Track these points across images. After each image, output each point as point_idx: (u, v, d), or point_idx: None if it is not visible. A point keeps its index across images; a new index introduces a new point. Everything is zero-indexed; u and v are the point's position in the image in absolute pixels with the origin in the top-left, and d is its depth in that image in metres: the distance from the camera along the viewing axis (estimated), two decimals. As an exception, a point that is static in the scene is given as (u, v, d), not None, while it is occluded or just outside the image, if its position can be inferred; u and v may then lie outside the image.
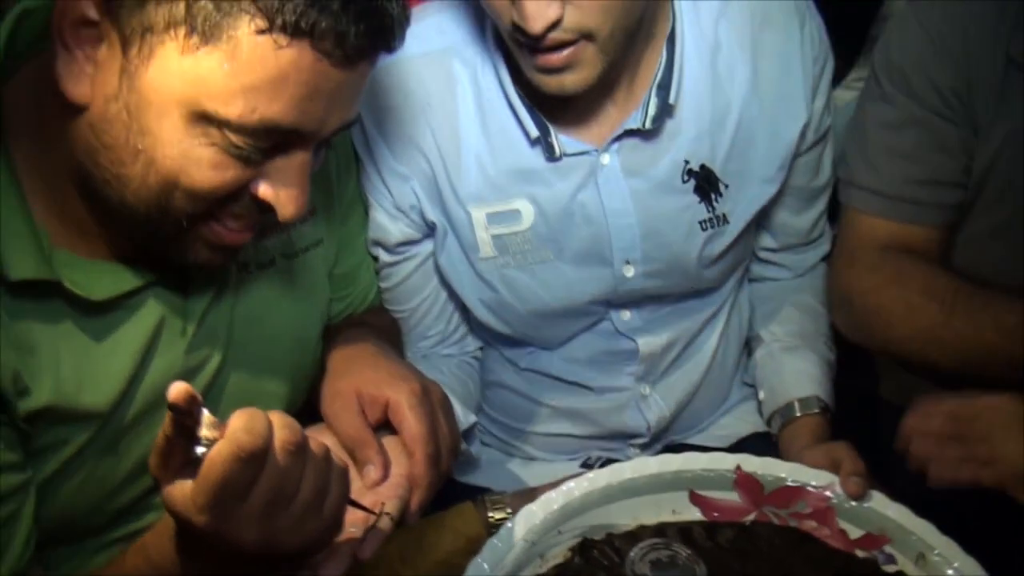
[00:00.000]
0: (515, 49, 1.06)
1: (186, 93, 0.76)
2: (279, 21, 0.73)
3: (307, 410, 1.09)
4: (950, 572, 0.93)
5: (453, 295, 1.26)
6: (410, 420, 0.91)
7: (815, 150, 1.24)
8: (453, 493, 1.13)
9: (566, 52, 1.02)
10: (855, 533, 1.00)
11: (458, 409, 1.17)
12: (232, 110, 0.76)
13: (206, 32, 0.74)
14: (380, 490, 0.88)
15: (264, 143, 0.79)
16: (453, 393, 1.21)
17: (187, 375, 0.93)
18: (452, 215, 1.17)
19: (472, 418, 1.20)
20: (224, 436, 0.67)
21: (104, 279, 0.87)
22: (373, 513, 0.83)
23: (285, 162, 0.82)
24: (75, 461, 0.89)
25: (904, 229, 1.19)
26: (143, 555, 0.81)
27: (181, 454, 0.68)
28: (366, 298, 1.21)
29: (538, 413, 1.32)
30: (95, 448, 0.90)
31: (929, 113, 1.14)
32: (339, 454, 0.89)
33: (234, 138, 0.78)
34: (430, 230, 1.21)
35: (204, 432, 0.67)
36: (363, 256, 1.20)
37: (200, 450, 0.67)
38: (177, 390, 0.65)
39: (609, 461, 1.31)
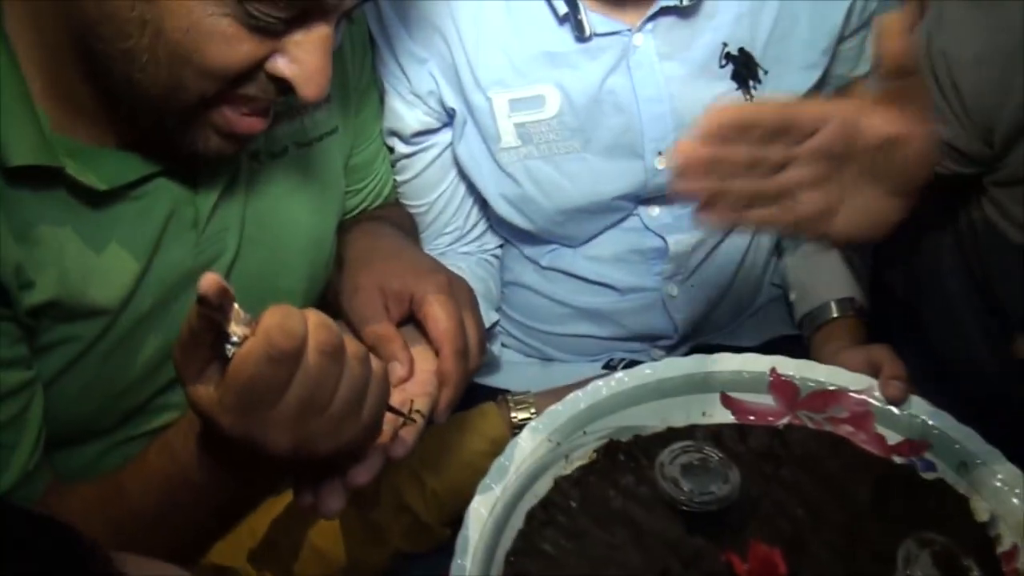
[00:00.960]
0: None
1: None
2: None
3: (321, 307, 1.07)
4: (996, 483, 0.89)
5: (472, 189, 1.21)
6: (438, 314, 0.86)
7: (859, 35, 1.17)
8: (472, 395, 1.09)
9: None
10: (893, 439, 0.96)
11: (481, 307, 1.13)
12: None
13: None
14: (407, 387, 0.84)
15: (282, 12, 0.73)
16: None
17: (198, 270, 0.88)
18: (472, 101, 1.11)
19: (494, 316, 1.16)
20: (256, 333, 0.62)
21: (109, 167, 0.82)
22: (404, 415, 0.78)
23: (305, 35, 0.76)
24: (83, 359, 0.85)
25: None
26: (168, 453, 0.77)
27: (208, 350, 0.64)
28: (381, 192, 1.16)
29: (560, 314, 1.27)
30: (104, 345, 0.85)
31: None
32: None
33: (249, 6, 0.72)
34: (448, 118, 1.15)
35: (234, 328, 0.62)
36: (379, 147, 1.15)
37: (230, 348, 0.63)
38: (208, 281, 0.60)
39: (633, 363, 1.26)
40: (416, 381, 0.85)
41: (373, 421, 0.70)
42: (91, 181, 0.80)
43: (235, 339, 0.63)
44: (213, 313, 0.61)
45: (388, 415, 0.75)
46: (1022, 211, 1.06)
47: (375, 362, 0.70)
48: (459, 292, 0.90)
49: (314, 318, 0.65)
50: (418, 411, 0.80)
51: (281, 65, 0.77)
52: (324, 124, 1.00)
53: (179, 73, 0.75)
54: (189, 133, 0.81)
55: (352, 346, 0.67)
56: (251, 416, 0.64)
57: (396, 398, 0.81)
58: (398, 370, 0.85)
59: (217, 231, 0.90)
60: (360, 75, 1.08)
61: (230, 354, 0.63)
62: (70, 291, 0.81)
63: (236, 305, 0.63)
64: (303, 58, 0.76)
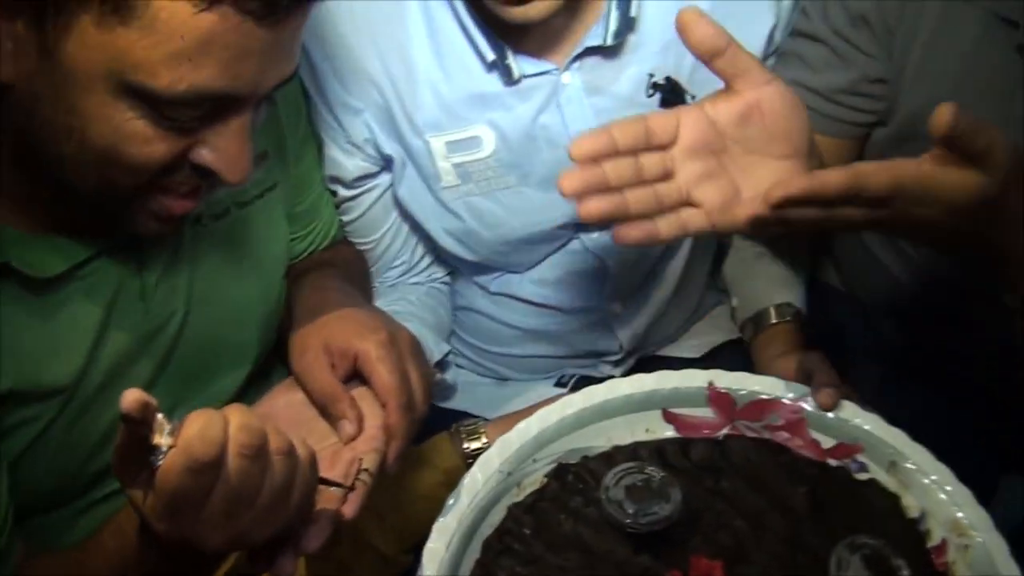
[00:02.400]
0: None
1: (108, 67, 0.72)
2: None
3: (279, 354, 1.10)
4: (925, 481, 0.94)
5: (417, 225, 1.24)
6: (380, 371, 0.89)
7: None
8: (430, 418, 1.12)
9: None
10: (828, 443, 1.00)
11: (430, 339, 1.17)
12: (158, 81, 0.72)
13: (120, 4, 0.69)
14: (356, 444, 0.88)
15: (197, 111, 0.76)
16: (423, 323, 1.21)
17: (149, 337, 0.92)
18: (410, 145, 1.14)
19: (445, 347, 1.20)
20: (177, 444, 0.65)
21: (54, 254, 0.84)
22: (344, 487, 0.82)
23: (223, 126, 0.78)
24: (44, 436, 0.87)
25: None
26: (120, 536, 0.81)
27: (138, 461, 0.66)
28: (328, 233, 1.19)
29: (510, 336, 1.31)
30: (63, 421, 0.88)
31: (833, 36, 1.12)
32: (306, 412, 0.90)
33: (164, 109, 0.74)
34: (387, 163, 1.18)
35: (158, 439, 0.65)
36: (321, 191, 1.18)
37: (156, 459, 0.65)
38: (129, 400, 0.62)
39: (584, 378, 1.32)
40: (365, 437, 0.88)
41: (302, 505, 0.73)
42: (36, 270, 0.83)
43: (161, 451, 0.65)
44: (137, 428, 0.64)
45: (340, 470, 0.79)
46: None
47: (301, 448, 0.72)
48: (402, 345, 0.93)
49: (236, 420, 0.67)
50: (366, 470, 0.84)
51: (203, 155, 0.79)
52: (263, 181, 1.02)
53: (107, 173, 0.77)
54: (125, 220, 0.83)
55: (276, 441, 0.70)
56: (181, 521, 0.67)
57: (346, 456, 0.86)
58: (347, 428, 0.88)
59: (165, 298, 0.93)
60: (296, 129, 1.10)
61: (156, 465, 0.65)
62: (26, 377, 0.84)
63: (160, 416, 0.65)
64: (223, 147, 0.79)
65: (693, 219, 0.84)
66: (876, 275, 1.31)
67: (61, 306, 0.86)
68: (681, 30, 0.82)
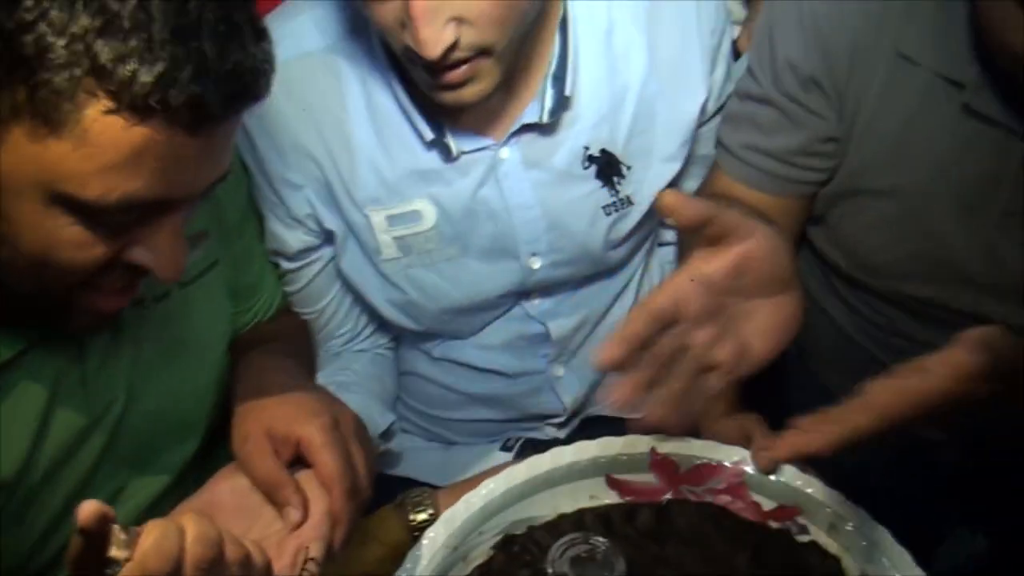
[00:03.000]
0: (408, 66, 1.04)
1: (40, 178, 0.72)
2: (126, 100, 0.69)
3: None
4: (863, 543, 0.96)
5: (359, 296, 1.25)
6: (324, 457, 0.89)
7: (717, 118, 1.24)
8: (376, 485, 1.13)
9: (464, 68, 0.99)
10: (768, 505, 1.02)
11: (375, 410, 1.17)
12: (90, 192, 0.72)
13: (52, 117, 0.69)
14: (302, 531, 0.87)
15: (129, 217, 0.76)
16: (369, 392, 1.22)
17: (94, 422, 0.92)
18: (350, 219, 1.15)
19: (390, 417, 1.20)
20: (133, 558, 0.64)
21: None
22: None
23: (157, 227, 0.78)
24: None
25: (757, 195, 1.19)
26: None
27: (94, 571, 0.65)
28: (272, 304, 1.19)
29: (455, 400, 1.32)
30: (9, 513, 0.87)
31: (785, 99, 1.14)
32: (252, 497, 0.89)
33: (97, 216, 0.74)
34: (328, 236, 1.19)
35: (115, 552, 0.64)
36: (264, 265, 1.18)
37: (110, 572, 0.64)
38: (87, 513, 0.62)
39: (529, 440, 1.33)
40: (310, 524, 0.88)
41: None
42: None
43: (117, 563, 0.64)
44: (94, 540, 0.63)
45: (285, 561, 0.79)
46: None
47: (257, 555, 0.72)
48: (344, 428, 0.93)
49: (192, 532, 0.66)
50: (312, 559, 0.84)
51: (137, 255, 0.79)
52: (204, 260, 1.02)
53: (40, 275, 0.77)
54: (60, 316, 0.83)
55: (232, 551, 0.70)
56: None
57: (292, 543, 0.85)
58: (293, 515, 0.87)
59: (107, 382, 0.92)
60: (235, 205, 1.10)
61: None
62: None
63: (116, 527, 0.64)
64: (157, 246, 0.79)
65: (714, 382, 0.88)
66: (821, 325, 1.33)
67: (1, 397, 0.85)
68: (668, 214, 0.85)
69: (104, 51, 0.68)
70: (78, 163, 0.71)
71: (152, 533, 0.64)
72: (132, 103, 0.69)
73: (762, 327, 0.86)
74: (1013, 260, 1.10)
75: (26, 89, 0.69)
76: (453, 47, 0.97)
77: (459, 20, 0.96)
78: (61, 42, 0.67)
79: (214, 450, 1.10)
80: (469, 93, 1.02)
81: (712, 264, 0.86)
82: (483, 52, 0.99)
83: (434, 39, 0.95)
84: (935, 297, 1.17)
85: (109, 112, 0.69)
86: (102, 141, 0.70)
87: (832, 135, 1.14)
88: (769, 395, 1.21)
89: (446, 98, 1.03)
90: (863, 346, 1.28)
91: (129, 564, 0.64)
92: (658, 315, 0.84)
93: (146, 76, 0.68)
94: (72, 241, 0.75)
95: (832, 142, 1.14)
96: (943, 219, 1.11)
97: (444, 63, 0.98)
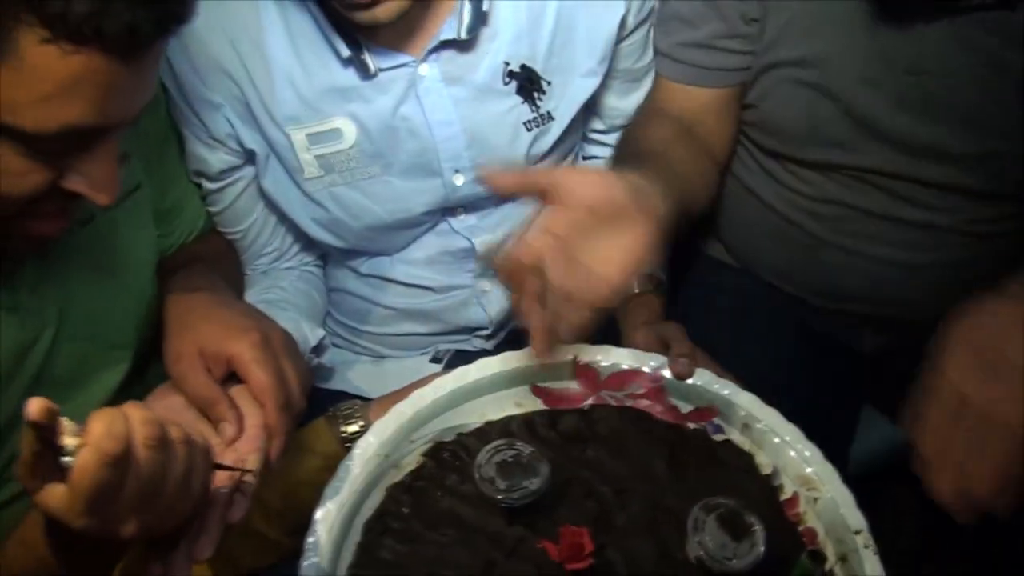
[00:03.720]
0: None
1: None
2: (62, 30, 0.70)
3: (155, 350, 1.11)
4: (776, 440, 1.01)
5: (284, 215, 1.26)
6: (256, 373, 0.92)
7: (638, 32, 1.26)
8: (309, 399, 1.15)
9: None
10: (686, 408, 1.07)
11: (305, 326, 1.19)
12: (28, 120, 0.73)
13: None
14: (238, 445, 0.90)
15: (67, 144, 0.77)
16: (298, 309, 1.24)
17: (27, 347, 0.92)
18: (271, 138, 1.16)
19: (320, 333, 1.22)
20: (87, 443, 0.67)
21: None
22: (239, 470, 0.85)
23: (92, 153, 0.79)
24: None
25: (695, 92, 1.26)
26: (24, 547, 0.82)
27: (48, 464, 0.68)
28: (196, 226, 1.20)
29: (383, 315, 1.34)
30: None
31: None
32: (187, 415, 0.91)
33: (34, 143, 0.75)
34: (250, 156, 1.19)
35: (67, 441, 0.67)
36: (186, 186, 1.18)
37: (66, 459, 0.68)
38: (36, 408, 0.65)
39: (459, 352, 1.36)
40: (246, 438, 0.90)
41: (202, 490, 0.77)
42: None
43: (69, 450, 0.67)
44: (45, 432, 0.66)
45: (224, 474, 0.82)
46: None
47: (197, 437, 0.76)
48: (275, 343, 0.95)
49: (135, 415, 0.70)
50: (250, 471, 0.86)
51: (73, 182, 0.80)
52: (127, 183, 1.02)
53: None
54: None
55: (174, 431, 0.73)
56: (99, 514, 0.70)
57: (229, 457, 0.88)
58: (228, 430, 0.90)
59: (38, 307, 0.93)
60: (156, 127, 1.10)
61: (68, 465, 0.68)
62: None
63: (64, 419, 0.67)
64: (93, 173, 0.80)
65: (572, 312, 0.94)
66: (751, 205, 1.39)
67: None
68: (487, 186, 0.95)
69: None
70: (16, 93, 0.72)
71: (101, 419, 0.68)
72: (68, 32, 0.70)
73: (605, 256, 0.92)
74: (919, 115, 1.17)
75: None
76: None
77: None
78: None
79: (146, 371, 1.12)
80: (383, 11, 1.03)
81: (555, 220, 0.91)
82: None
83: None
84: (854, 161, 1.23)
85: (45, 41, 0.71)
86: (39, 71, 0.72)
87: (753, 15, 1.19)
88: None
89: (361, 17, 1.03)
90: (793, 220, 1.34)
91: (86, 448, 0.67)
92: (523, 266, 0.92)
93: (80, 6, 0.70)
94: (11, 170, 0.76)
95: (754, 22, 1.20)
96: (851, 79, 1.17)
97: None
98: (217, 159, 1.17)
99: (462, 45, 1.14)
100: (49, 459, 0.68)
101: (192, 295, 1.01)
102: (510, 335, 1.37)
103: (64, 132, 0.75)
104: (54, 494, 0.69)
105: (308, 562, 0.87)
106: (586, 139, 1.37)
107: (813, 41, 1.17)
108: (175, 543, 0.79)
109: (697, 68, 1.24)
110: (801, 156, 1.27)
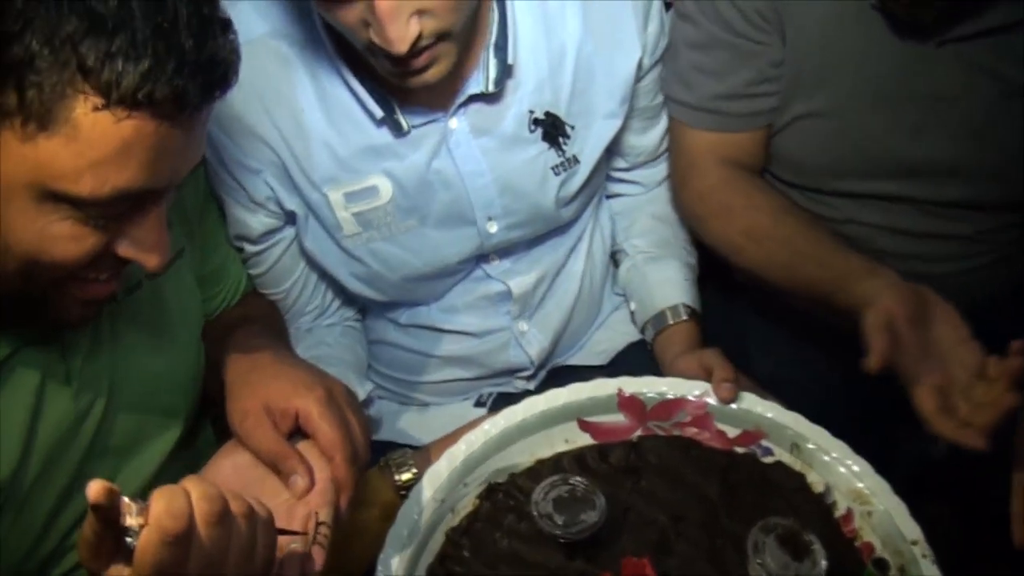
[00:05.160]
0: (370, 57, 1.06)
1: (32, 177, 0.75)
2: (115, 96, 0.72)
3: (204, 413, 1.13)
4: (826, 458, 1.02)
5: (324, 272, 1.28)
6: (324, 428, 0.92)
7: (653, 71, 1.28)
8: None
9: (426, 54, 1.03)
10: (733, 432, 1.08)
11: (354, 380, 1.21)
12: (82, 187, 0.75)
13: (42, 117, 0.72)
14: (309, 498, 0.91)
15: (119, 209, 0.79)
16: (346, 364, 1.26)
17: (80, 418, 0.94)
18: (309, 199, 1.18)
19: (368, 386, 1.24)
20: (148, 522, 0.68)
21: None
22: (301, 534, 0.86)
23: (143, 218, 0.81)
24: None
25: (723, 138, 1.27)
26: None
27: (111, 545, 0.69)
28: (238, 289, 1.22)
29: (425, 364, 1.36)
30: (6, 516, 0.89)
31: (733, 36, 1.21)
32: (255, 471, 0.93)
33: (89, 210, 0.77)
34: (290, 217, 1.22)
35: (130, 521, 0.68)
36: (227, 250, 1.21)
37: (130, 539, 0.68)
38: (96, 490, 0.65)
39: (501, 396, 1.38)
40: (317, 491, 0.91)
41: (265, 561, 0.78)
42: None
43: (132, 531, 0.68)
44: (107, 514, 0.67)
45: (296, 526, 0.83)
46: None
47: (259, 508, 0.77)
48: (339, 398, 0.96)
49: (196, 491, 0.70)
50: (323, 523, 0.88)
51: (124, 247, 0.82)
52: (171, 248, 1.04)
53: (29, 271, 0.80)
54: (48, 310, 0.85)
55: (236, 505, 0.74)
56: None
57: (301, 510, 0.89)
58: (299, 483, 0.91)
59: (91, 378, 0.95)
60: (195, 194, 1.12)
61: (131, 546, 0.68)
62: None
63: (125, 499, 0.68)
64: (143, 237, 0.82)
65: None
66: None
67: None
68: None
69: (91, 52, 0.71)
70: (71, 160, 0.74)
71: (162, 497, 0.69)
72: (120, 99, 0.73)
73: None
74: (934, 140, 1.19)
75: (16, 93, 0.72)
76: (417, 38, 1.00)
77: (420, 12, 1.00)
78: (48, 48, 0.71)
79: (197, 435, 1.14)
80: (432, 74, 1.06)
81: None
82: (443, 36, 1.03)
83: (401, 35, 0.99)
84: (872, 189, 1.26)
85: (98, 109, 0.73)
86: (92, 137, 0.74)
87: (779, 58, 1.21)
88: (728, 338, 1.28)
89: (412, 82, 1.06)
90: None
91: (147, 528, 0.68)
92: None
93: (132, 73, 0.72)
94: (64, 236, 0.78)
95: (779, 65, 1.22)
96: (866, 112, 1.20)
97: (409, 54, 1.01)
98: (258, 222, 1.20)
99: (489, 98, 1.17)
100: (112, 540, 0.69)
101: (254, 354, 1.02)
102: (551, 374, 1.39)
103: (117, 196, 0.77)
104: (119, 572, 0.70)
105: (376, 610, 0.89)
106: (610, 178, 1.40)
107: (825, 73, 1.20)
108: None
109: (729, 116, 1.25)
110: (819, 186, 1.29)
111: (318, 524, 0.87)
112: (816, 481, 1.03)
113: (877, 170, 1.24)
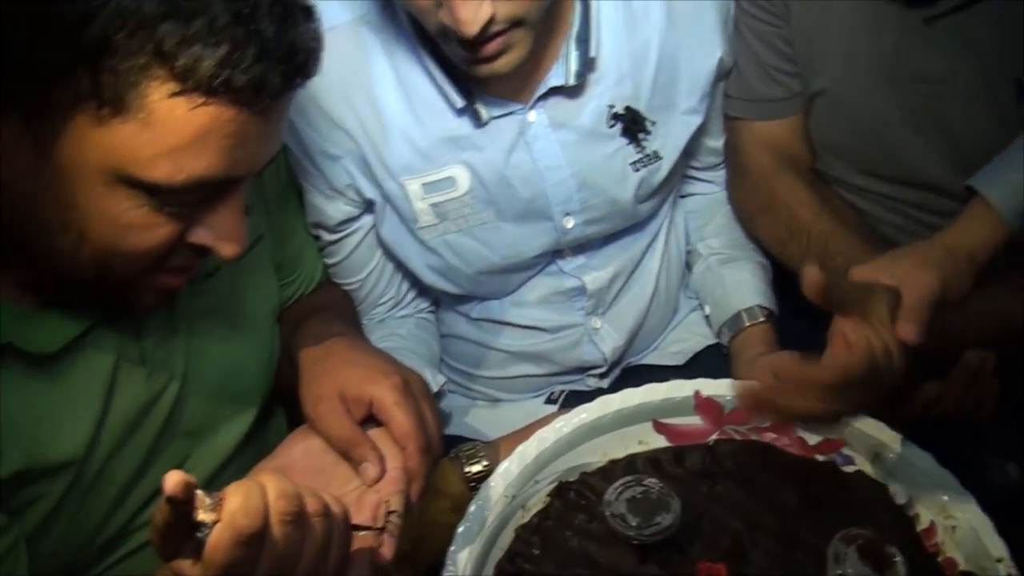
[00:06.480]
0: (442, 42, 1.06)
1: (106, 163, 0.74)
2: (191, 82, 0.71)
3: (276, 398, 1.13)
4: (909, 469, 0.99)
5: (400, 263, 1.28)
6: (398, 417, 0.92)
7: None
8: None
9: (499, 40, 1.02)
10: (813, 439, 1.05)
11: (427, 372, 1.21)
12: (157, 173, 0.74)
13: (117, 102, 0.71)
14: (380, 486, 0.90)
15: (195, 197, 0.78)
16: (419, 356, 1.26)
17: (153, 399, 0.94)
18: (387, 189, 1.18)
19: (441, 379, 1.23)
20: (222, 518, 0.67)
21: (54, 329, 0.85)
22: (374, 529, 0.85)
23: (220, 206, 0.81)
24: (57, 510, 0.88)
25: (767, 127, 1.28)
26: None
27: (182, 537, 0.69)
28: (314, 278, 1.22)
29: (497, 359, 1.35)
30: (74, 494, 0.89)
31: (749, 19, 1.23)
32: (326, 457, 0.92)
33: (164, 197, 0.76)
34: (368, 206, 1.21)
35: (202, 516, 0.67)
36: (304, 238, 1.21)
37: (201, 534, 0.68)
38: (173, 482, 0.65)
39: (573, 393, 1.36)
40: (387, 479, 0.90)
41: (339, 562, 0.77)
42: (38, 347, 0.84)
43: (206, 526, 0.67)
44: (181, 507, 0.66)
45: (367, 514, 0.82)
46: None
47: (335, 506, 0.76)
48: (414, 388, 0.96)
49: (273, 489, 0.69)
50: (394, 511, 0.87)
51: (200, 235, 0.81)
52: (250, 234, 1.03)
53: (105, 262, 0.80)
54: (121, 299, 0.85)
55: (312, 503, 0.73)
56: None
57: (371, 498, 0.88)
58: (371, 471, 0.90)
59: (164, 359, 0.95)
60: (276, 179, 1.12)
61: (202, 540, 0.68)
62: (34, 456, 0.84)
63: (200, 492, 0.67)
64: (220, 225, 0.81)
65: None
66: None
67: (64, 379, 0.87)
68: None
69: (168, 36, 0.70)
70: (144, 145, 0.73)
71: (237, 493, 0.68)
72: (197, 85, 0.72)
73: None
74: (941, 122, 1.15)
75: (90, 76, 0.71)
76: (489, 22, 0.99)
77: None
78: (125, 31, 0.70)
79: (269, 421, 1.14)
80: (503, 63, 1.05)
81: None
82: (517, 23, 1.02)
83: (472, 17, 0.98)
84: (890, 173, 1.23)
85: (174, 95, 0.72)
86: (168, 123, 0.73)
87: (789, 38, 1.22)
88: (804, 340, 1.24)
89: (482, 70, 1.05)
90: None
91: (220, 525, 0.67)
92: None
93: (210, 59, 0.71)
94: (139, 224, 0.78)
95: (791, 45, 1.22)
96: (870, 95, 1.18)
97: (481, 37, 1.00)
98: (336, 210, 1.20)
99: (569, 91, 1.16)
100: (183, 531, 0.68)
101: (329, 340, 1.02)
102: (624, 373, 1.37)
103: (192, 184, 0.76)
104: (187, 568, 0.70)
105: (444, 603, 0.88)
106: (685, 177, 1.38)
107: (828, 57, 1.20)
108: None
109: (767, 102, 1.27)
110: (845, 178, 1.28)
111: (388, 513, 0.87)
112: (898, 492, 1.00)
113: (888, 159, 1.21)
